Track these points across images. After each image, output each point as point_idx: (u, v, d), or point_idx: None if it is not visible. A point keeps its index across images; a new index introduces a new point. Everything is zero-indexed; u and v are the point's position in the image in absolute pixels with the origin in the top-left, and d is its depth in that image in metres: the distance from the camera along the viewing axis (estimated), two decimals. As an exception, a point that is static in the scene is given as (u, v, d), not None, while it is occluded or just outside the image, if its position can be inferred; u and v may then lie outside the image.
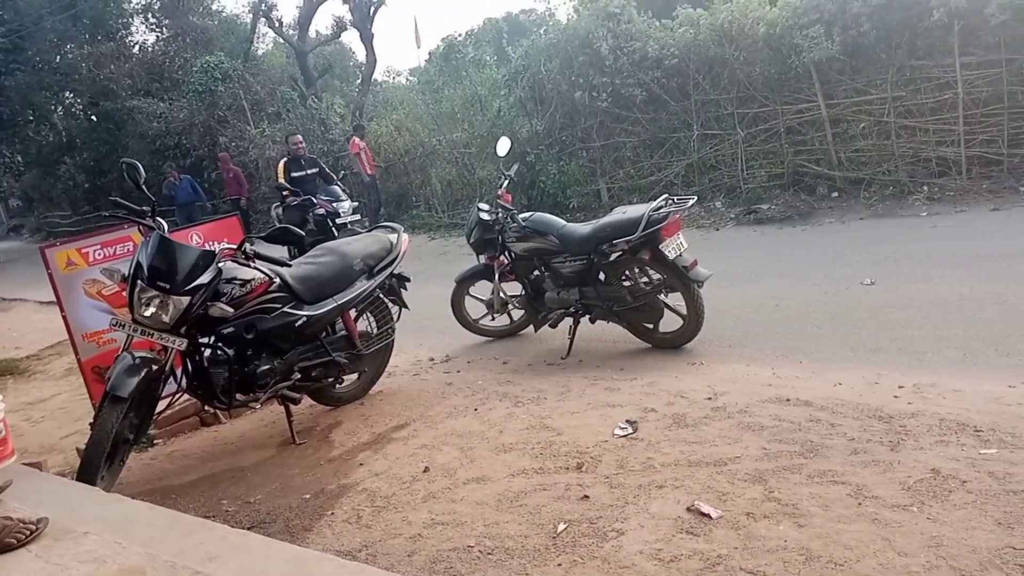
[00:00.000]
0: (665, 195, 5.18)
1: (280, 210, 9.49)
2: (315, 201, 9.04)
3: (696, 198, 5.28)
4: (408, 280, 5.10)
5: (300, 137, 10.21)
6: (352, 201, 9.64)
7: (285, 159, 9.94)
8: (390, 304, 4.98)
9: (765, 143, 10.40)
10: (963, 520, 2.44)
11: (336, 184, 10.02)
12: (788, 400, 3.70)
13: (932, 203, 8.78)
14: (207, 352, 4.00)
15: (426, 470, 3.55)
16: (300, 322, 4.18)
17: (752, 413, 3.58)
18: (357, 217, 9.39)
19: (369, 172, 14.20)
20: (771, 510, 2.65)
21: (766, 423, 3.43)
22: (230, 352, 3.98)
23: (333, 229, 8.69)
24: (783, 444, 3.18)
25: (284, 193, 9.32)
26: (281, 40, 23.30)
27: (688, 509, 2.73)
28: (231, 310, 3.83)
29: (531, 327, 5.88)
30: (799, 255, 7.64)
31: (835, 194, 9.71)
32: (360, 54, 20.93)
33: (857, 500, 2.64)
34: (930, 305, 5.18)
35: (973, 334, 4.55)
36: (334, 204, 9.12)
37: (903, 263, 6.41)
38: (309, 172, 9.91)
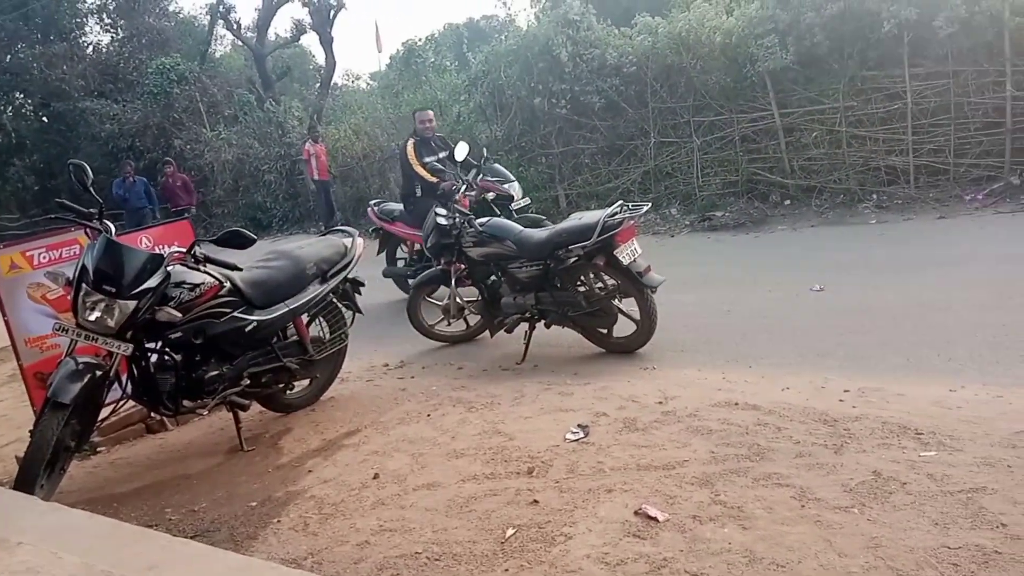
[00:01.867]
0: (620, 202, 5.23)
1: (412, 206, 7.60)
2: (475, 185, 7.24)
3: (650, 205, 5.34)
4: (362, 285, 5.05)
5: (431, 113, 8.12)
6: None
7: (412, 140, 7.86)
8: (344, 309, 4.93)
9: (720, 151, 10.56)
10: (901, 521, 2.49)
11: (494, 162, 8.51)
12: (737, 404, 3.75)
13: (881, 211, 8.99)
14: (154, 357, 3.91)
15: (376, 477, 3.51)
16: (250, 327, 4.10)
17: (701, 417, 3.62)
18: (528, 201, 8.19)
19: (318, 177, 14.08)
20: (717, 513, 2.67)
21: (714, 427, 3.47)
22: (177, 357, 3.90)
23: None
24: (730, 448, 3.22)
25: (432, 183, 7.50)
26: (239, 42, 22.99)
27: (636, 513, 2.75)
28: (179, 315, 3.75)
29: (487, 332, 5.87)
30: (752, 262, 7.76)
31: (788, 202, 9.90)
32: (320, 57, 20.78)
33: (800, 502, 2.68)
34: (877, 311, 5.30)
35: (917, 339, 4.67)
36: (505, 185, 7.89)
37: (852, 270, 6.55)
38: (441, 155, 7.88)
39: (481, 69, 12.50)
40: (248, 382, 4.25)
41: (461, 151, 6.22)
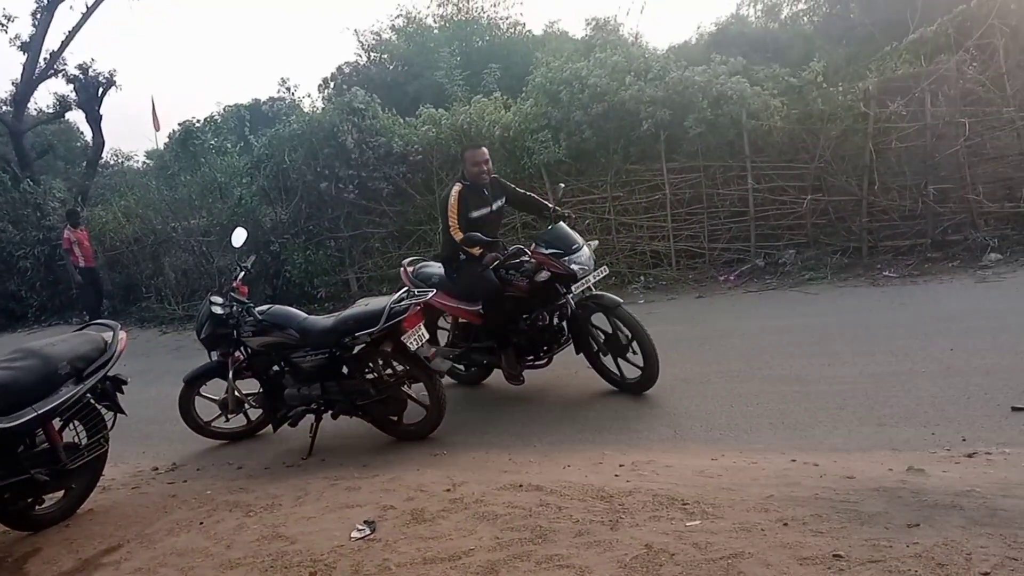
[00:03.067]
0: (406, 288, 5.28)
1: (455, 272, 5.78)
2: (525, 253, 5.55)
3: (435, 291, 5.43)
4: (125, 383, 4.64)
5: (485, 152, 5.74)
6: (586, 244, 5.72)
7: (459, 187, 5.60)
8: (104, 410, 4.50)
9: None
10: (671, 591, 2.64)
11: (559, 216, 6.09)
12: (521, 486, 3.83)
13: (648, 291, 9.80)
14: None
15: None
16: (-13, 438, 3.61)
17: (487, 502, 3.65)
18: (605, 271, 5.82)
19: (83, 265, 12.93)
20: (501, 601, 2.68)
21: (500, 511, 3.51)
22: None
23: (569, 302, 5.57)
24: (515, 532, 3.26)
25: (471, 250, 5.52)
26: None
27: (422, 610, 2.69)
28: None
29: (270, 427, 5.58)
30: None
31: (567, 284, 10.50)
32: (89, 134, 19.21)
33: (579, 582, 2.76)
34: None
35: (682, 412, 5.08)
36: (566, 259, 5.44)
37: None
38: (495, 207, 5.84)
39: (264, 152, 12.25)
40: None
41: (239, 237, 5.97)
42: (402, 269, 6.42)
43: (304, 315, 5.37)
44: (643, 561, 2.86)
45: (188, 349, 9.95)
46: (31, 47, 16.60)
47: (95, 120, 17.45)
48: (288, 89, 19.38)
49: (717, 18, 18.35)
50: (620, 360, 5.60)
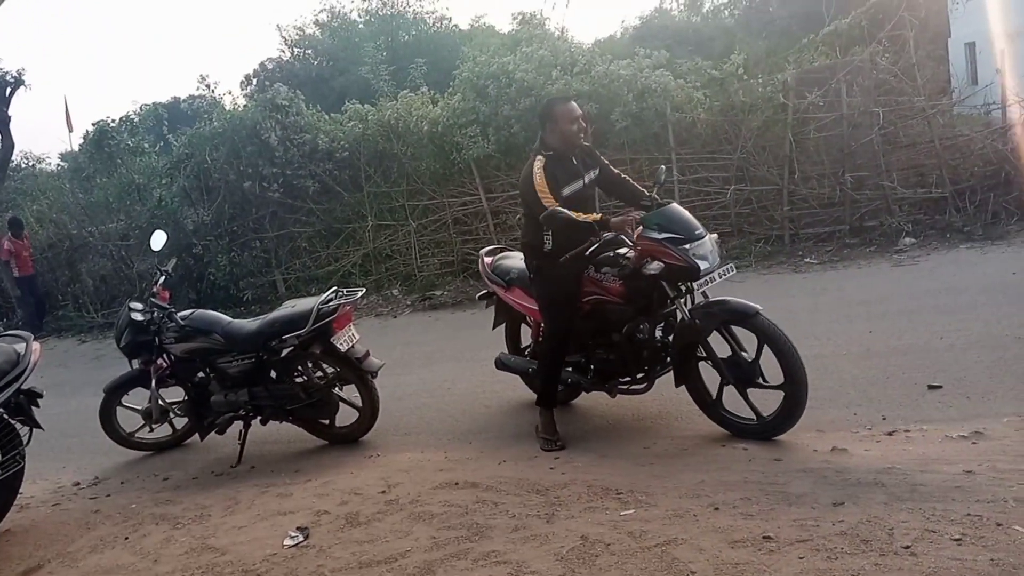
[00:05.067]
0: (334, 288, 5.17)
1: (537, 264, 4.44)
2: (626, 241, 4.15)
3: (364, 290, 5.35)
4: (40, 396, 4.42)
5: (578, 110, 4.44)
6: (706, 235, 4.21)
7: (542, 158, 4.29)
8: (18, 426, 4.27)
9: (436, 233, 10.97)
10: (606, 581, 2.65)
11: (663, 196, 4.78)
12: (457, 484, 3.80)
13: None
14: None
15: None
16: None
17: (423, 502, 3.61)
18: (733, 270, 4.26)
19: (19, 274, 12.39)
20: (438, 602, 2.65)
21: (436, 511, 3.48)
22: None
23: (682, 308, 4.16)
24: (451, 530, 3.23)
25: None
26: None
27: (357, 616, 2.64)
28: None
29: (196, 436, 5.40)
30: (470, 338, 8.03)
31: (500, 279, 10.51)
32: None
33: (517, 577, 2.75)
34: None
35: (615, 403, 5.06)
36: (686, 247, 4.01)
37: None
38: (588, 179, 4.50)
39: (184, 151, 11.86)
40: None
41: (158, 240, 5.75)
42: (480, 260, 5.35)
43: (229, 319, 5.21)
44: (579, 553, 2.87)
45: (109, 358, 9.56)
46: (-71, 45, 15.66)
47: (3, 122, 16.55)
48: (208, 86, 18.87)
49: (641, 12, 18.63)
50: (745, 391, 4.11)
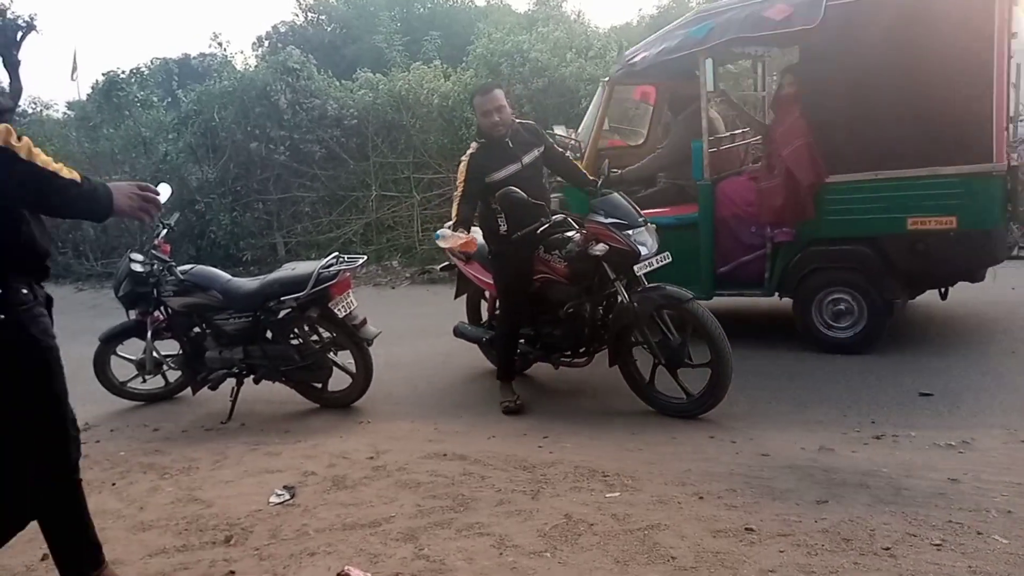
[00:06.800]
0: (336, 253, 5.17)
1: (492, 246, 4.73)
2: (572, 225, 4.62)
3: (366, 258, 5.35)
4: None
5: (498, 95, 4.52)
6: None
7: (473, 147, 4.61)
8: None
9: (439, 207, 10.92)
10: (587, 561, 2.67)
11: (609, 184, 4.77)
12: (445, 455, 3.83)
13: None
14: None
15: (44, 558, 3.03)
16: None
17: (410, 470, 3.64)
18: (668, 259, 4.47)
19: None
20: (420, 568, 2.67)
21: (422, 479, 3.50)
22: None
23: (621, 290, 4.36)
24: (436, 500, 3.26)
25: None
26: None
27: (338, 575, 2.66)
28: None
29: (189, 389, 5.41)
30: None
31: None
32: (5, 81, 18.08)
33: (499, 550, 2.77)
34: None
35: (609, 388, 5.05)
36: (629, 232, 4.30)
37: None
38: (527, 160, 4.53)
39: (193, 108, 11.81)
40: None
41: (163, 194, 5.72)
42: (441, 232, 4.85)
43: (228, 277, 5.21)
44: (562, 530, 2.90)
45: (106, 307, 9.56)
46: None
47: (13, 65, 16.44)
48: (220, 44, 18.79)
49: (659, 1, 18.47)
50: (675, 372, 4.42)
